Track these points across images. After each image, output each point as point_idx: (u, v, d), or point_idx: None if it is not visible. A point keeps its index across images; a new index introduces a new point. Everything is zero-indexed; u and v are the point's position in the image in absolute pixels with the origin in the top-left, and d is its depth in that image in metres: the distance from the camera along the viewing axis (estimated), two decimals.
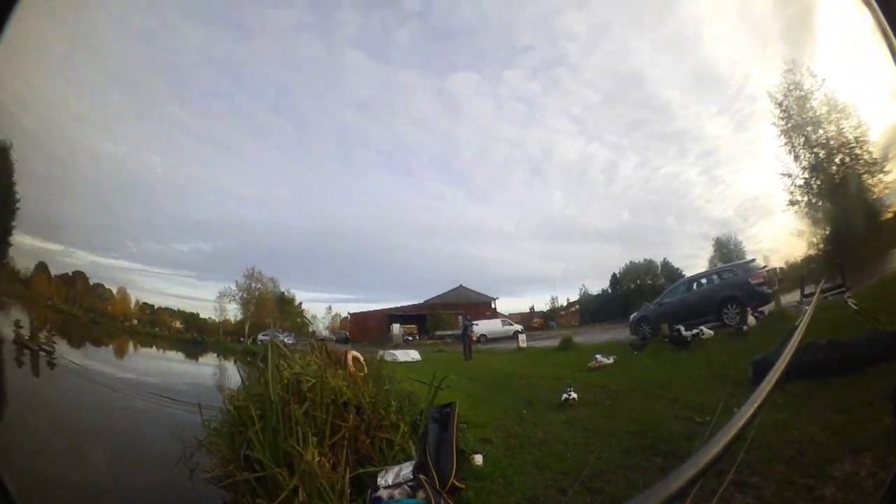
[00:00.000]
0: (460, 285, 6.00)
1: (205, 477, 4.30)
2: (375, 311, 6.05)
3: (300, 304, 6.04)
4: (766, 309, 6.25)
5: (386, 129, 5.86)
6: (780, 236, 6.52)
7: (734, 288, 6.35)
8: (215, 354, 6.06)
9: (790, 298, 6.07)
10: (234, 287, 5.70)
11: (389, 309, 6.08)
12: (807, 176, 6.23)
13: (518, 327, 6.33)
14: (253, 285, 5.76)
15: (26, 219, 5.27)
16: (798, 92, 6.07)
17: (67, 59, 5.51)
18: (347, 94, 5.72)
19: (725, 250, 6.46)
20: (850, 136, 5.76)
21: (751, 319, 6.13)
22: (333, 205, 5.84)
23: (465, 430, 4.96)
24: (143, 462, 5.24)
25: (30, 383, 5.40)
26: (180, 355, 5.94)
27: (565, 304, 6.45)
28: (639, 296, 6.37)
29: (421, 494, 4.06)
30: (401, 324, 6.20)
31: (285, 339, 6.01)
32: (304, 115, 5.59)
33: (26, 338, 5.43)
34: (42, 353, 5.51)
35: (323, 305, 6.04)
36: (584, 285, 6.37)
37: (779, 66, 6.16)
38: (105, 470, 5.00)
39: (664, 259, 6.28)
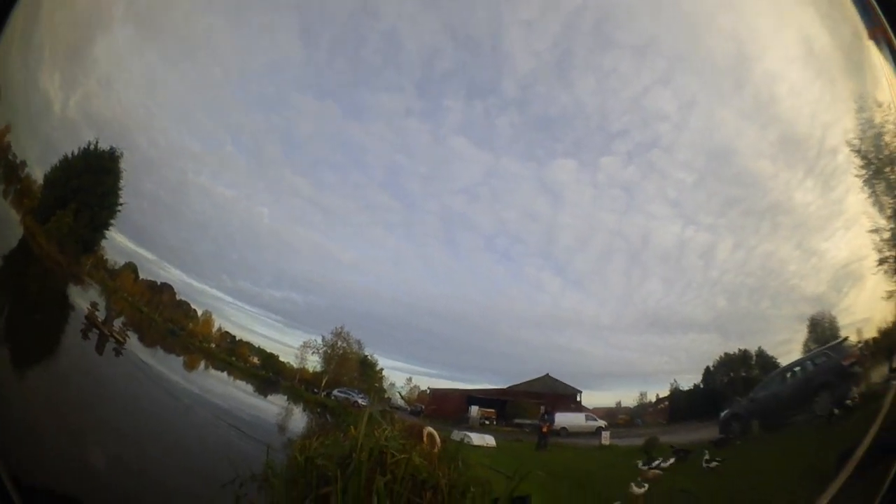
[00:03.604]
0: (547, 374, 5.82)
1: None
2: (455, 390, 5.95)
3: (381, 369, 6.07)
4: (855, 391, 5.69)
5: (488, 214, 6.01)
6: (872, 302, 5.95)
7: (827, 373, 5.73)
8: (285, 397, 6.13)
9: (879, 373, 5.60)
10: (319, 340, 5.84)
11: (470, 390, 5.97)
12: (892, 226, 5.87)
13: (602, 423, 5.98)
14: (339, 343, 5.89)
15: (126, 221, 5.95)
16: (871, 130, 5.71)
17: (183, 99, 6.13)
18: (453, 178, 5.97)
19: (820, 329, 5.93)
20: None
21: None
22: (430, 281, 5.97)
23: None
24: (190, 468, 5.40)
25: (90, 358, 5.83)
26: (249, 388, 6.11)
27: (654, 399, 6.09)
28: (731, 390, 5.96)
29: None
30: (480, 406, 6.05)
31: (359, 401, 6.03)
32: (410, 195, 5.89)
33: (100, 320, 5.72)
34: (111, 339, 5.75)
35: (403, 375, 6.02)
36: (675, 380, 6.02)
37: (850, 106, 5.88)
38: (150, 459, 5.15)
39: (759, 347, 5.88)
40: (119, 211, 5.85)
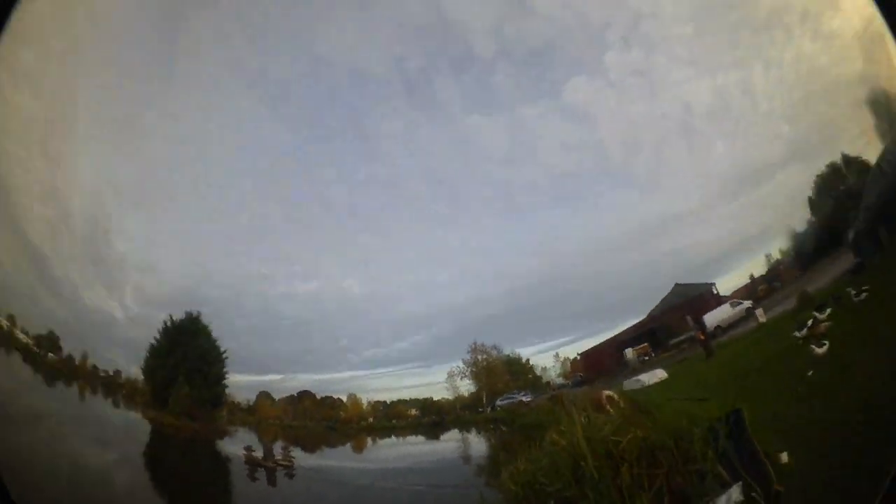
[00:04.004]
0: (675, 283, 5.77)
1: None
2: (602, 344, 5.98)
3: (527, 360, 6.15)
4: None
5: (536, 166, 6.34)
6: None
7: None
8: (456, 430, 6.27)
9: None
10: (461, 365, 5.95)
11: (616, 336, 5.97)
12: None
13: (748, 303, 5.97)
14: (479, 357, 5.96)
15: (238, 361, 6.28)
16: None
17: (219, 232, 6.05)
18: (487, 152, 6.02)
19: (880, 107, 5.71)
20: None
21: None
22: (522, 259, 6.06)
23: (759, 431, 4.78)
24: None
25: (268, 494, 5.97)
26: (421, 438, 6.40)
27: (778, 255, 6.00)
28: (842, 210, 5.81)
29: None
30: (632, 347, 6.08)
31: (523, 398, 6.15)
32: (460, 195, 5.93)
33: (260, 458, 6.02)
34: (280, 468, 6.07)
35: (550, 354, 6.08)
36: (788, 226, 5.90)
37: None
38: None
39: (841, 154, 5.73)
40: (227, 357, 6.05)
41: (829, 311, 5.52)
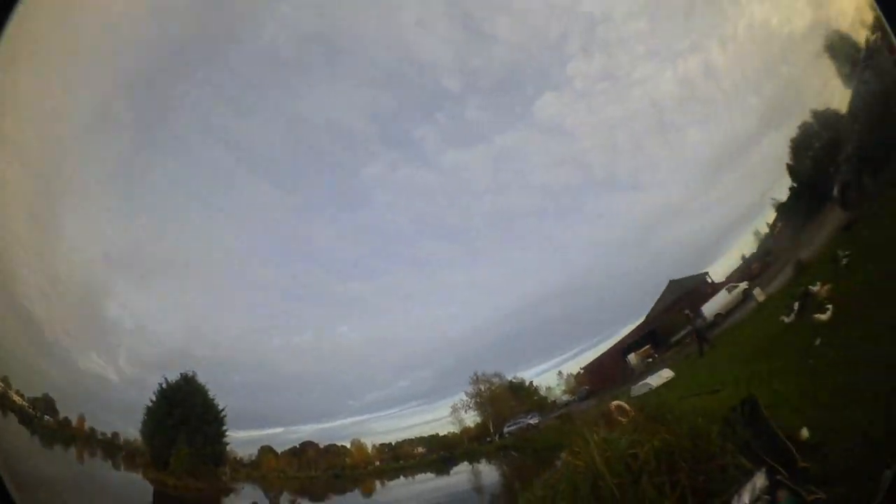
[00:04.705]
0: (669, 281, 5.68)
1: None
2: (605, 353, 5.83)
3: (531, 382, 6.00)
4: None
5: (526, 188, 6.38)
6: None
7: (888, 74, 5.18)
8: (465, 462, 6.17)
9: None
10: (464, 397, 5.81)
11: (617, 343, 5.83)
12: None
13: (744, 285, 5.80)
14: (482, 387, 5.84)
15: (237, 416, 6.08)
16: None
17: (204, 284, 6.34)
18: (472, 187, 6.08)
19: (837, 51, 5.65)
20: None
21: None
22: (515, 283, 6.13)
23: (775, 413, 4.51)
24: None
25: None
26: (430, 475, 6.19)
27: (767, 228, 5.87)
28: (820, 166, 5.70)
29: (782, 493, 3.73)
30: (635, 352, 5.90)
31: (531, 421, 5.97)
32: (449, 229, 6.13)
33: None
34: None
35: (553, 373, 5.93)
36: (771, 198, 5.82)
37: None
38: None
39: (809, 110, 5.76)
40: (225, 414, 6.04)
41: (818, 284, 5.30)
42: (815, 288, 5.30)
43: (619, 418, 5.14)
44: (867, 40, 5.50)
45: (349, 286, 6.19)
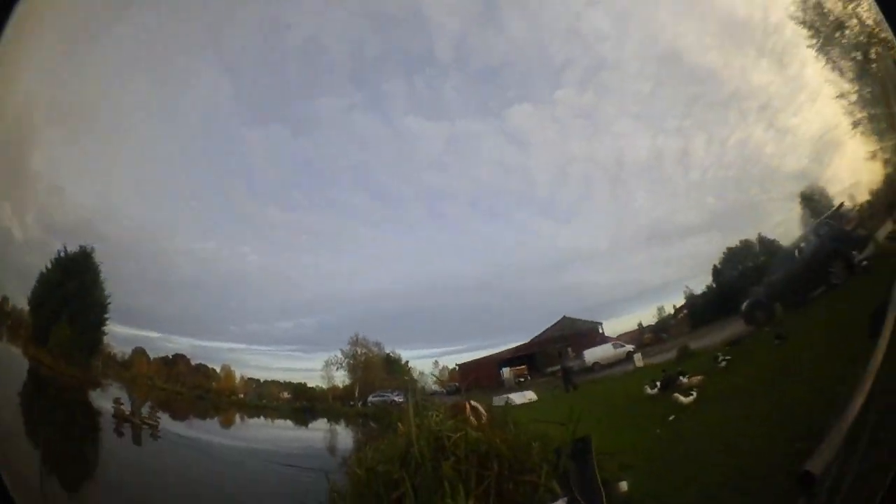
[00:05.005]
0: (564, 316, 5.89)
1: None
2: (483, 359, 5.99)
3: (406, 362, 6.11)
4: (866, 253, 5.81)
5: (462, 179, 6.04)
6: (856, 164, 5.99)
7: (834, 241, 5.86)
8: (325, 420, 6.18)
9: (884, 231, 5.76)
10: (339, 355, 5.87)
11: (496, 354, 6.02)
12: (857, 87, 5.90)
13: (630, 347, 6.06)
14: (359, 351, 5.92)
15: (120, 312, 5.91)
16: None
17: (133, 176, 6.22)
18: (417, 157, 5.97)
19: (813, 203, 6.03)
20: (871, 21, 5.55)
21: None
22: (427, 262, 6.02)
23: (605, 460, 4.79)
24: None
25: (132, 451, 5.87)
26: (289, 423, 6.17)
27: (673, 311, 6.16)
28: (745, 283, 6.04)
29: None
30: (510, 367, 6.11)
31: (395, 399, 6.09)
32: (381, 188, 5.87)
33: (127, 413, 5.74)
34: (144, 427, 5.86)
35: (430, 361, 6.05)
36: (687, 287, 6.08)
37: None
38: None
39: (759, 234, 5.98)
40: (110, 303, 5.82)
41: (689, 374, 5.68)
42: (686, 378, 5.70)
43: (470, 416, 5.35)
44: (841, 205, 5.94)
45: (266, 210, 6.07)
